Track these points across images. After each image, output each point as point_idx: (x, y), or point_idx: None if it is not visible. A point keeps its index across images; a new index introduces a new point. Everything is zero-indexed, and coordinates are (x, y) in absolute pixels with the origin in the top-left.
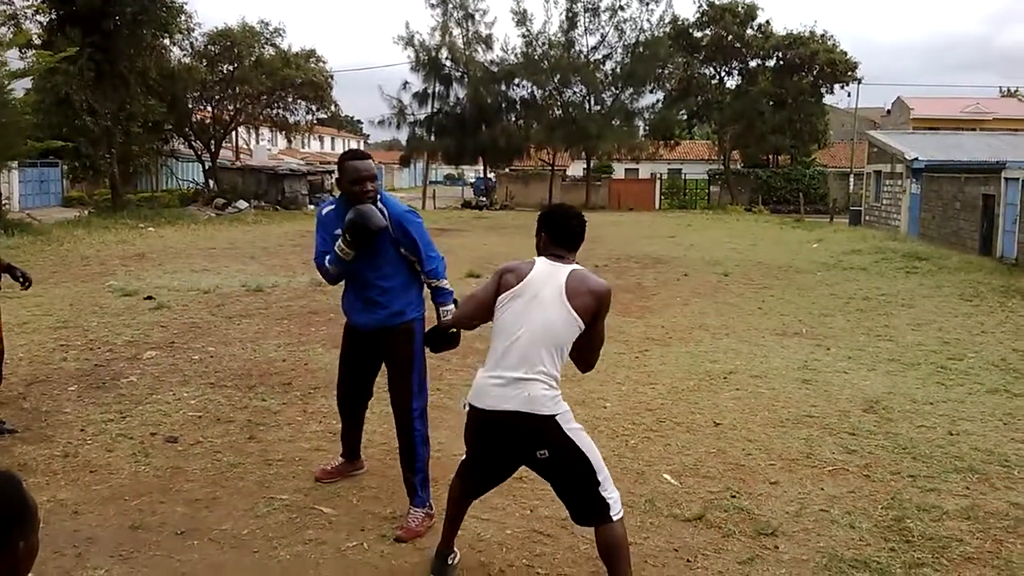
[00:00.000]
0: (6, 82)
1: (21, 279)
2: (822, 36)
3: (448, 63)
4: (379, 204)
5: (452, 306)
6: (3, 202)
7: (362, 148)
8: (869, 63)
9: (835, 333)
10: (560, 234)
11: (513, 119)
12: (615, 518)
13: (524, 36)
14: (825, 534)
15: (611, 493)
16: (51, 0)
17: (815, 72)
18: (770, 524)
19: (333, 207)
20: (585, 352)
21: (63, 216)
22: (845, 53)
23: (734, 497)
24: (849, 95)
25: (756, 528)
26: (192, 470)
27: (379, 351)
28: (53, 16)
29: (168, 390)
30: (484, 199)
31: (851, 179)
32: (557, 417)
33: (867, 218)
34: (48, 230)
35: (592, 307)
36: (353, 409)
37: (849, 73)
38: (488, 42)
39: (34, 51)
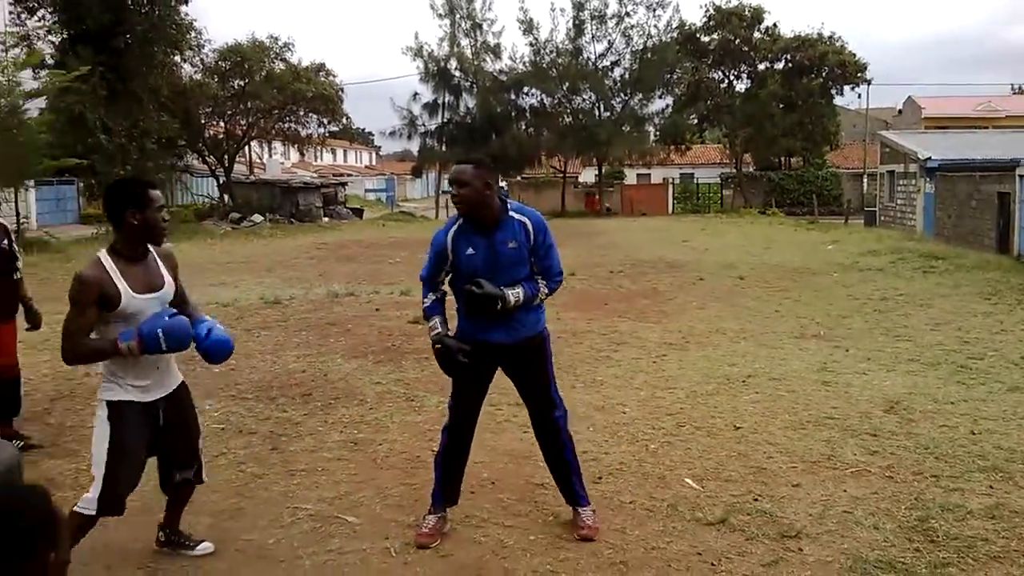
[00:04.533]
0: (21, 102)
1: (30, 324)
2: (830, 37)
3: (457, 73)
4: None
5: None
6: (21, 221)
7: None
8: (877, 63)
9: (853, 334)
10: None
11: (523, 127)
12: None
13: (532, 45)
14: (849, 536)
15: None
16: (62, 20)
17: (824, 74)
18: (793, 526)
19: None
20: None
21: (80, 233)
22: (854, 54)
23: (756, 500)
24: (859, 96)
25: (779, 531)
26: (216, 482)
27: (510, 365)
28: (64, 36)
29: None
30: None
31: (864, 180)
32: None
33: (882, 218)
34: (65, 247)
35: None
36: (470, 436)
37: (859, 74)
38: (496, 51)
39: (47, 71)
